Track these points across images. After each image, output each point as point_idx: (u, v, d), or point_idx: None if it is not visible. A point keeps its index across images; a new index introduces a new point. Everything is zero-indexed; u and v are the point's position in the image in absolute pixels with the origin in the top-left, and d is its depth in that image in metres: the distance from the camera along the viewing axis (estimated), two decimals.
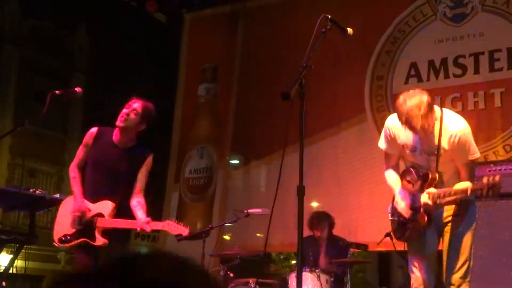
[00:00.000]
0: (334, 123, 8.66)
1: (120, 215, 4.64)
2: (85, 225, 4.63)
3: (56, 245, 4.86)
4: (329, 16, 3.67)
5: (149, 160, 4.78)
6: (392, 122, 4.31)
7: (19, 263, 5.67)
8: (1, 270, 5.30)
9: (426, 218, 4.09)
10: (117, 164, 4.69)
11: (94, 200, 4.69)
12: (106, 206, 4.64)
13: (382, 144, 4.45)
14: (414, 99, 3.96)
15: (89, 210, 4.67)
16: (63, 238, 4.70)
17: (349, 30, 3.79)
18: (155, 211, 10.48)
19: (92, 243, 4.58)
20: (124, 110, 4.68)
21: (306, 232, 6.70)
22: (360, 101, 8.53)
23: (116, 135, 4.75)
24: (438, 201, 4.03)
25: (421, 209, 4.08)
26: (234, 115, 9.67)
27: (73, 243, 4.67)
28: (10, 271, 5.41)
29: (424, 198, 4.05)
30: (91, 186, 4.73)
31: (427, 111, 3.91)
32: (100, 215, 4.63)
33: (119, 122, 4.65)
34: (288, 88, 3.28)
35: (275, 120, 8.92)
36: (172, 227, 4.61)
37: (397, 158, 4.43)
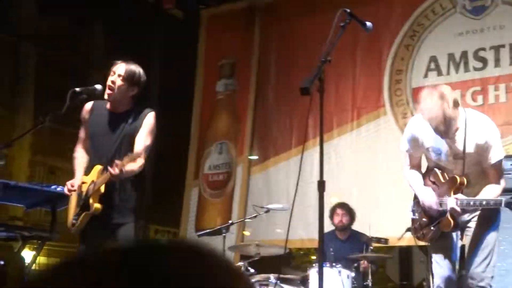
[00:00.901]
0: (353, 118, 8.62)
1: (125, 184, 4.41)
2: (84, 199, 4.44)
3: (71, 231, 4.64)
4: (348, 10, 3.65)
5: (148, 118, 4.46)
6: (416, 125, 4.23)
7: (41, 259, 5.72)
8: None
9: (452, 223, 4.02)
10: (111, 129, 4.45)
11: None
12: (95, 171, 4.42)
13: (404, 146, 4.36)
14: (433, 98, 3.91)
15: (84, 183, 4.49)
16: (73, 221, 4.52)
17: (369, 24, 3.77)
18: (175, 207, 10.53)
19: (87, 212, 4.36)
20: (109, 79, 4.44)
21: (327, 228, 6.70)
22: (379, 96, 8.49)
23: (109, 105, 4.55)
24: (466, 209, 3.98)
25: (448, 213, 4.01)
26: (253, 111, 9.66)
27: (79, 222, 4.43)
28: (33, 267, 5.46)
29: (452, 203, 3.97)
30: (93, 158, 4.55)
31: (448, 111, 3.85)
32: (92, 182, 4.42)
33: (106, 95, 4.45)
34: (307, 83, 3.27)
35: (293, 115, 8.91)
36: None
37: (420, 159, 4.36)
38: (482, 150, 3.99)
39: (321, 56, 3.43)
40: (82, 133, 4.68)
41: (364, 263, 6.54)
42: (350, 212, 7.15)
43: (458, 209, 3.95)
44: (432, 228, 4.14)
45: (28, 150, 20.11)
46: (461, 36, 8.08)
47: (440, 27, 8.27)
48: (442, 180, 4.13)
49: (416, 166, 4.34)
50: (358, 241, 6.68)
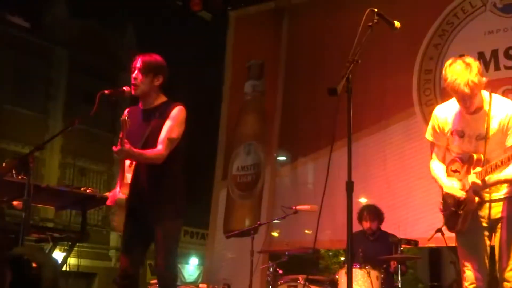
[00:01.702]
0: (381, 118, 8.56)
1: (162, 179, 4.33)
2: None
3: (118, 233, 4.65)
4: (376, 10, 3.62)
5: (175, 111, 4.37)
6: (440, 111, 4.30)
7: (72, 260, 5.78)
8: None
9: (476, 199, 4.03)
10: (145, 126, 4.39)
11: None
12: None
13: (429, 135, 4.43)
14: (458, 65, 3.95)
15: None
16: (113, 223, 4.42)
17: (397, 23, 3.75)
18: (203, 208, 10.57)
19: (118, 203, 4.27)
20: (132, 76, 4.41)
21: (355, 228, 6.66)
22: (408, 96, 8.42)
23: (141, 103, 4.51)
24: (486, 179, 3.97)
25: (470, 191, 4.02)
26: (281, 112, 9.65)
27: (115, 218, 4.35)
28: (63, 268, 5.51)
29: (472, 177, 4.01)
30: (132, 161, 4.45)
31: (473, 77, 3.88)
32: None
33: (133, 91, 4.40)
34: (335, 83, 3.26)
35: (321, 116, 8.87)
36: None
37: (444, 150, 4.38)
38: (504, 131, 3.99)
39: (349, 57, 3.41)
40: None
41: (393, 264, 6.50)
42: (378, 216, 7.10)
43: (478, 181, 3.96)
44: (459, 212, 4.11)
45: (58, 153, 20.36)
46: (491, 35, 7.98)
47: (469, 25, 8.17)
48: (461, 164, 4.15)
49: (439, 158, 4.37)
50: (387, 241, 6.64)
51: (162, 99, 4.49)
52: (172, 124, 4.31)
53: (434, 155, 4.43)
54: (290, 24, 9.88)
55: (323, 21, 9.47)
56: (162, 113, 4.36)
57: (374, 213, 7.08)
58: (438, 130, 4.31)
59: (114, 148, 4.06)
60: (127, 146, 4.04)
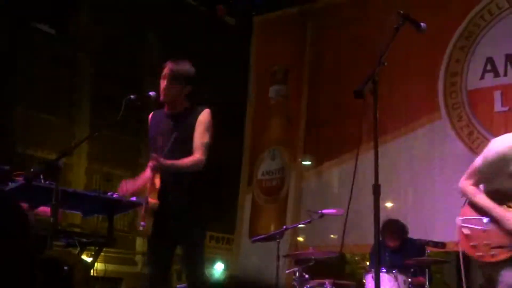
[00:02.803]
0: (407, 121, 8.50)
1: (186, 184, 4.30)
2: (145, 200, 4.31)
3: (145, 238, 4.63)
4: (402, 12, 3.59)
5: (202, 116, 4.37)
6: (507, 145, 3.98)
7: (98, 265, 5.81)
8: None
9: None
10: (171, 132, 4.36)
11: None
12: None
13: (483, 165, 4.10)
14: None
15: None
16: (140, 228, 4.40)
17: (423, 25, 3.71)
18: (229, 213, 10.58)
19: (147, 207, 4.23)
20: (161, 83, 4.42)
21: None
22: (434, 99, 8.36)
23: (166, 107, 4.50)
24: None
25: None
26: (305, 116, 9.64)
27: (145, 223, 4.30)
28: (91, 273, 5.54)
29: None
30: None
31: None
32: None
33: (161, 97, 4.40)
34: (361, 86, 3.24)
35: (346, 120, 8.84)
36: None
37: (485, 180, 4.19)
38: None
39: (375, 60, 3.38)
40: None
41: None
42: (401, 234, 6.85)
43: None
44: (509, 249, 3.97)
45: (85, 158, 20.51)
46: None
47: (496, 27, 8.10)
48: None
49: (476, 183, 4.17)
50: (410, 248, 6.54)
51: (187, 103, 4.48)
52: (203, 128, 4.33)
53: (475, 180, 4.18)
54: (314, 28, 9.87)
55: (347, 25, 9.45)
56: (189, 117, 4.36)
57: (397, 232, 6.81)
58: (499, 164, 3.97)
59: (151, 164, 4.09)
60: (165, 160, 4.08)
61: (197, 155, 4.25)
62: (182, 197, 4.30)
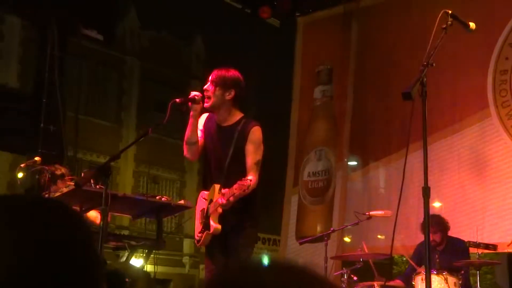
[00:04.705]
0: (455, 121, 8.37)
1: (242, 202, 4.27)
2: (205, 218, 4.40)
3: (197, 246, 4.66)
4: (450, 11, 3.55)
5: (253, 133, 4.39)
6: None
7: (148, 267, 5.89)
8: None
9: None
10: (220, 144, 4.42)
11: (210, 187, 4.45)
12: (213, 190, 4.35)
13: None
14: None
15: (206, 199, 4.46)
16: (197, 238, 4.48)
17: (472, 25, 3.66)
18: (276, 214, 10.59)
19: (208, 232, 4.31)
20: (204, 88, 4.44)
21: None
22: (483, 97, 8.21)
23: (216, 116, 4.52)
24: None
25: None
26: (351, 116, 9.58)
27: (202, 240, 4.39)
28: (152, 282, 5.62)
29: None
30: (210, 174, 4.52)
31: None
32: (211, 201, 4.37)
33: (205, 104, 4.41)
34: (409, 87, 3.21)
35: (392, 120, 8.76)
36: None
37: None
38: None
39: (423, 60, 3.35)
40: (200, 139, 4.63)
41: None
42: (441, 227, 6.70)
43: None
44: None
45: (132, 161, 20.81)
46: None
47: None
48: None
49: None
50: (456, 248, 6.43)
51: (238, 115, 4.49)
52: (254, 148, 4.36)
53: None
54: (359, 27, 9.80)
55: (392, 24, 9.36)
56: (241, 134, 4.38)
57: (436, 224, 6.69)
58: None
59: (220, 203, 4.15)
60: (227, 199, 4.10)
61: (252, 177, 4.24)
62: (238, 212, 4.33)
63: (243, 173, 4.28)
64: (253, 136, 4.38)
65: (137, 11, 20.90)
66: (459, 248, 6.46)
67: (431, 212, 6.55)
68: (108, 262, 5.39)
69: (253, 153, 4.35)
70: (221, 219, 4.31)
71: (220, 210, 4.26)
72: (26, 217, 1.09)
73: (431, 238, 6.59)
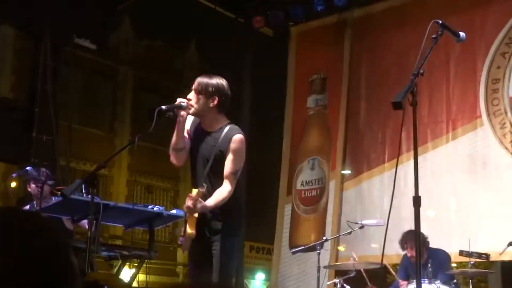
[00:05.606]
0: (448, 130, 8.41)
1: (219, 209, 4.29)
2: (184, 222, 4.37)
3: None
4: (440, 21, 3.56)
5: (234, 141, 4.34)
6: None
7: (140, 277, 5.87)
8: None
9: None
10: (204, 149, 4.40)
11: None
12: (192, 195, 4.28)
13: None
14: None
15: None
16: (179, 242, 4.47)
17: (462, 34, 3.67)
18: (269, 223, 10.58)
19: (185, 236, 4.29)
20: (187, 96, 4.42)
21: None
22: (475, 106, 8.25)
23: (202, 123, 4.50)
24: None
25: None
26: (344, 126, 9.59)
27: (183, 244, 4.38)
28: (133, 285, 5.60)
29: None
30: (193, 177, 4.51)
31: None
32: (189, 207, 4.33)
33: (189, 112, 4.38)
34: (399, 97, 3.22)
35: (386, 129, 8.79)
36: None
37: None
38: None
39: (413, 69, 3.36)
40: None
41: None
42: (421, 243, 6.62)
43: None
44: None
45: (126, 171, 20.76)
46: None
47: None
48: None
49: None
50: (438, 260, 6.42)
51: (223, 121, 4.47)
52: (233, 158, 4.31)
53: None
54: (352, 37, 9.83)
55: (385, 34, 9.40)
56: (223, 142, 4.35)
57: (412, 240, 6.61)
58: None
59: (187, 207, 4.17)
60: (193, 204, 4.12)
61: (227, 186, 4.27)
62: (216, 219, 4.34)
63: (223, 180, 4.30)
64: (234, 145, 4.34)
65: (131, 20, 20.90)
66: (440, 259, 6.46)
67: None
68: (100, 271, 5.36)
69: (231, 162, 4.32)
70: (202, 225, 4.31)
71: (195, 215, 4.25)
72: None
73: (409, 254, 6.58)
